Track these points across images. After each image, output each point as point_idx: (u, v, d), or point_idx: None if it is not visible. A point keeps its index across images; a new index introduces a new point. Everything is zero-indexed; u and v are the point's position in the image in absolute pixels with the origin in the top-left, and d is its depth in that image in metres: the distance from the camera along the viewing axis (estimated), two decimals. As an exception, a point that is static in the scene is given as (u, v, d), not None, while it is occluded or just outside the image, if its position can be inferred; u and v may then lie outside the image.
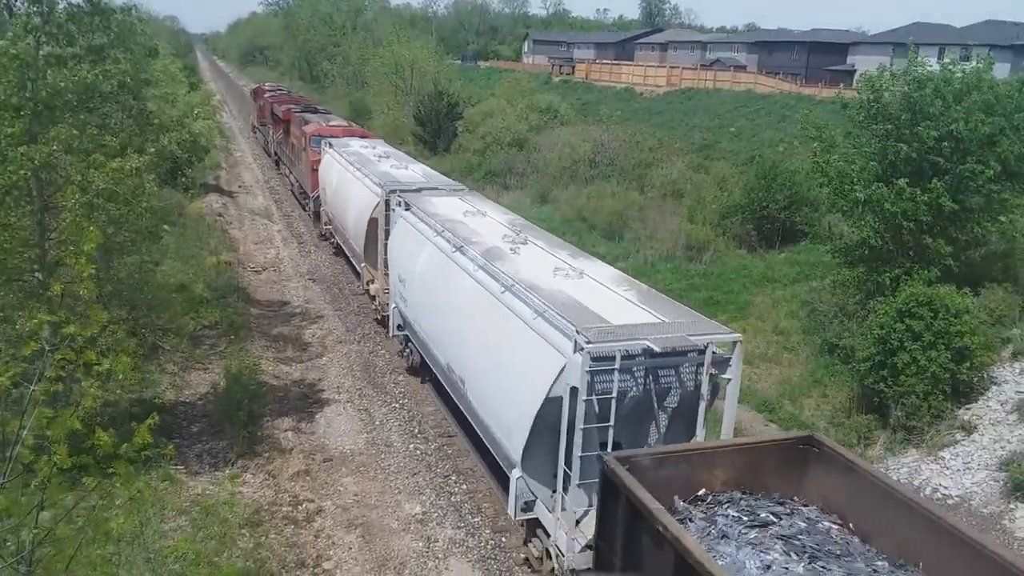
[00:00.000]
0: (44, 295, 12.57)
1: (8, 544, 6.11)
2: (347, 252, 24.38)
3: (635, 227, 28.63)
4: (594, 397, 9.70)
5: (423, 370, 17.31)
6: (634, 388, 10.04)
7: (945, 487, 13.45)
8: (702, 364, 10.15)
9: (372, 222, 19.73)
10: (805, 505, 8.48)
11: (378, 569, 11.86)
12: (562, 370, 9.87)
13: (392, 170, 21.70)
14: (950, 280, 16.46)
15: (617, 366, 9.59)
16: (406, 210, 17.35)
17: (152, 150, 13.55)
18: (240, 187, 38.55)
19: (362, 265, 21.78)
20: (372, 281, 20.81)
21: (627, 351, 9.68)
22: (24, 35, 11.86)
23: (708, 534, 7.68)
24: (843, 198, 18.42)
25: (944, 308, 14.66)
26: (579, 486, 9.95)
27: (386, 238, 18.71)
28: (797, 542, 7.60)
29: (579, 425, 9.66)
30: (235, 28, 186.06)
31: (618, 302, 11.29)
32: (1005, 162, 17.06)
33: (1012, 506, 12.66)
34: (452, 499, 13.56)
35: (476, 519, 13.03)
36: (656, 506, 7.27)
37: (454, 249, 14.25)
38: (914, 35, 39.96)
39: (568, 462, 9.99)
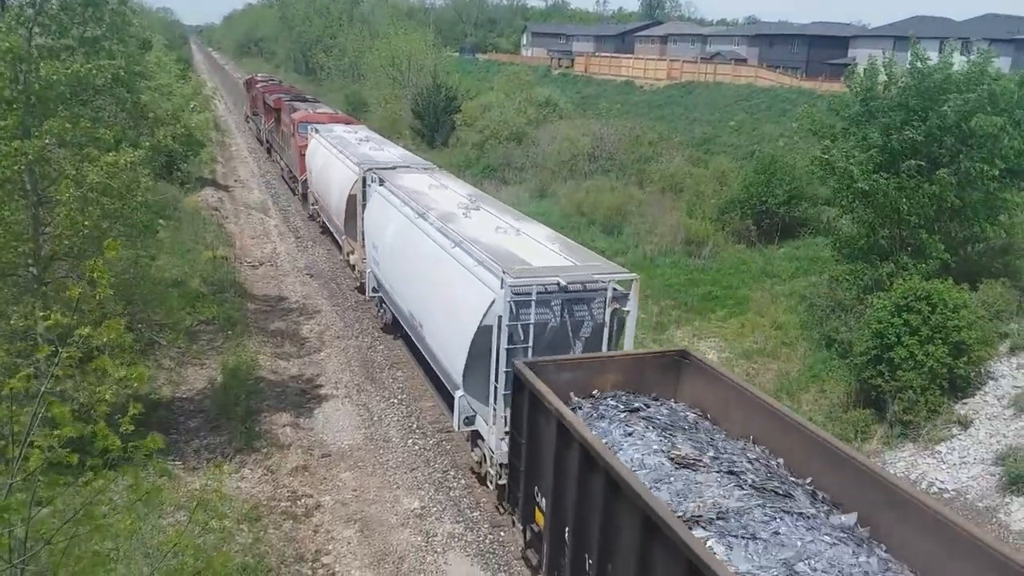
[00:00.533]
0: (39, 290, 12.53)
1: (3, 538, 6.09)
2: (331, 228, 26.46)
3: (634, 222, 28.55)
4: (518, 323, 11.89)
5: (395, 327, 19.37)
6: (552, 320, 12.24)
7: (941, 481, 13.44)
8: (608, 299, 12.35)
9: (351, 199, 21.81)
10: (676, 402, 11.06)
11: (377, 564, 11.86)
12: (492, 303, 12.02)
13: (370, 151, 23.91)
14: (948, 275, 16.44)
15: (534, 298, 11.85)
16: (380, 185, 19.54)
17: (147, 144, 13.50)
18: (236, 181, 38.44)
19: (343, 238, 23.96)
20: (352, 252, 22.90)
21: (544, 287, 11.98)
22: (17, 27, 11.79)
23: (590, 416, 10.31)
24: (846, 190, 18.40)
25: (942, 303, 14.63)
26: (505, 395, 11.77)
27: (363, 212, 20.74)
28: (657, 420, 10.20)
29: (504, 346, 11.84)
30: (230, 20, 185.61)
31: (545, 252, 13.58)
32: (1006, 158, 17.02)
33: (1007, 500, 12.66)
34: (451, 494, 13.55)
35: (475, 514, 13.03)
36: (546, 389, 9.82)
37: (417, 215, 16.40)
38: (914, 28, 39.82)
39: (497, 377, 12.05)
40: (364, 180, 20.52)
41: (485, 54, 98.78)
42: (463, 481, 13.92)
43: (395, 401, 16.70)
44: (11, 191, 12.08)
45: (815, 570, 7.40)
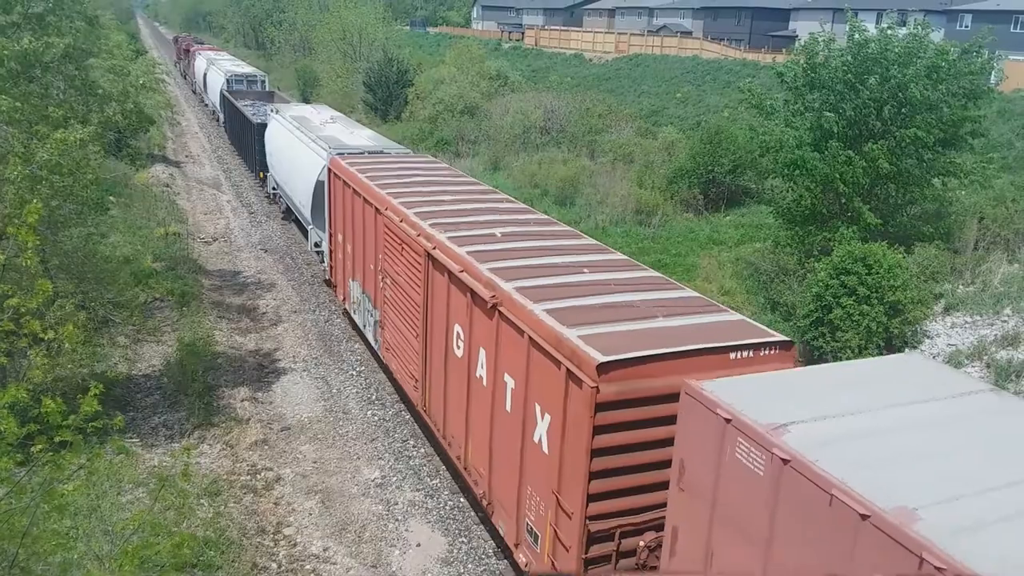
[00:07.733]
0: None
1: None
2: (207, 102, 49.79)
3: (587, 193, 28.91)
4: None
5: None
6: None
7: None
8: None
9: (204, 75, 43.69)
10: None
11: (339, 533, 12.03)
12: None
13: (217, 57, 50.26)
14: (885, 239, 17.08)
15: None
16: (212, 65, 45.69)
17: (97, 120, 13.35)
18: (187, 157, 37.79)
19: (214, 107, 45.60)
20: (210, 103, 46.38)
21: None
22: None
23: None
24: (783, 160, 18.96)
25: (877, 264, 15.25)
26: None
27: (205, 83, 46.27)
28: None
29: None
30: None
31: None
32: (947, 127, 17.64)
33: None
34: (411, 463, 13.78)
35: (435, 481, 13.28)
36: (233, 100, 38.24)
37: (209, 65, 44.04)
38: (852, 0, 40.55)
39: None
40: (207, 66, 45.04)
41: (436, 28, 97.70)
42: (423, 450, 14.18)
43: (353, 373, 16.87)
44: (-43, 170, 11.87)
45: None
